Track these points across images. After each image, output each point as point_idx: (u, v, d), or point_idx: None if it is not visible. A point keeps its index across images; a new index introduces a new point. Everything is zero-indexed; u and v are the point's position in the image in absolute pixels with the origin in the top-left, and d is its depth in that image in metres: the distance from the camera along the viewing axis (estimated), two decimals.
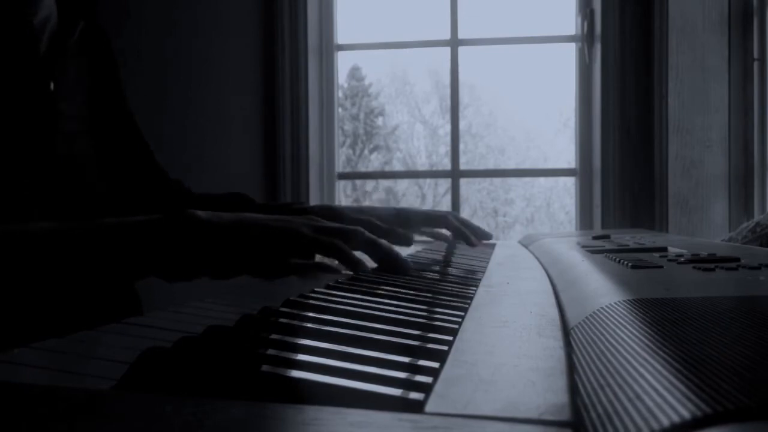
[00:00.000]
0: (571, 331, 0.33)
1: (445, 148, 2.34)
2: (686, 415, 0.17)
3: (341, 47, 2.13)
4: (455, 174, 2.08)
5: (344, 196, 2.25)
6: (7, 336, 0.50)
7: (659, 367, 0.21)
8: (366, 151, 2.47)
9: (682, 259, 0.54)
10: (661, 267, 0.49)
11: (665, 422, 0.17)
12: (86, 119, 0.81)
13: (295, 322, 0.38)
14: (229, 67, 2.02)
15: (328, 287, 0.53)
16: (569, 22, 2.04)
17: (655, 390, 0.19)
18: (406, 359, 0.31)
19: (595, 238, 0.88)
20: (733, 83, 1.79)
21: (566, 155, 2.22)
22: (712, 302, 0.33)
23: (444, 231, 0.98)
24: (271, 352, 0.31)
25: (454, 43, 2.06)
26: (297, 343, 0.33)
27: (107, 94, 0.87)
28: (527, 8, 2.27)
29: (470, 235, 0.89)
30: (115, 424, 0.21)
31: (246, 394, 0.26)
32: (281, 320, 0.38)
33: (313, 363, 0.29)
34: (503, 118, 2.50)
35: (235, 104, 2.02)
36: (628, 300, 0.34)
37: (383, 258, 0.66)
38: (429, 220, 0.95)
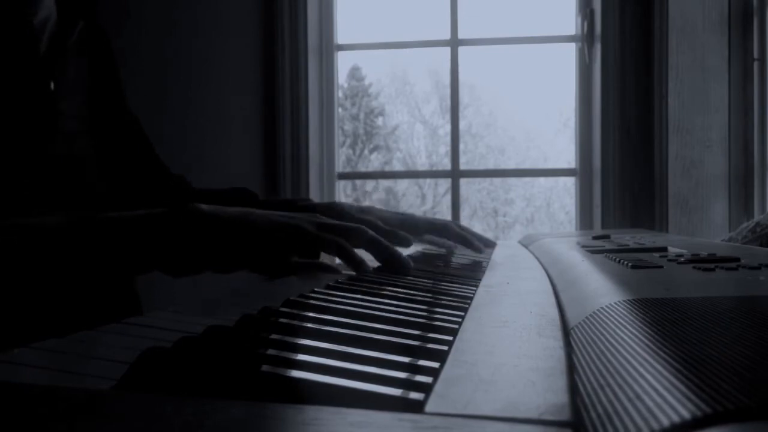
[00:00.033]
0: (571, 331, 0.33)
1: (445, 148, 2.34)
2: (686, 415, 0.17)
3: (341, 47, 2.13)
4: (455, 174, 2.08)
5: (344, 196, 2.25)
6: (7, 336, 0.50)
7: (659, 367, 0.21)
8: (366, 151, 2.47)
9: (682, 259, 0.54)
10: (661, 267, 0.49)
11: (665, 422, 0.17)
12: (86, 119, 0.82)
13: (295, 322, 0.38)
14: (229, 67, 2.02)
15: (328, 287, 0.53)
16: (569, 22, 2.04)
17: (655, 390, 0.19)
18: (406, 359, 0.31)
19: (595, 238, 0.88)
20: (733, 83, 1.79)
21: (566, 155, 2.22)
22: (712, 302, 0.33)
23: (446, 241, 0.97)
24: (271, 352, 0.31)
25: (454, 43, 2.06)
26: (297, 343, 0.33)
27: (107, 93, 0.87)
28: (527, 8, 2.27)
29: (474, 241, 0.88)
30: (115, 424, 0.21)
31: (246, 394, 0.26)
32: (281, 320, 0.38)
33: (313, 363, 0.29)
34: (503, 118, 2.50)
35: (235, 104, 2.02)
36: (628, 300, 0.34)
37: (385, 257, 0.67)
38: (432, 228, 0.94)
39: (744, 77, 1.80)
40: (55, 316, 0.58)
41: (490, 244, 0.91)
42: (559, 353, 0.31)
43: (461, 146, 2.12)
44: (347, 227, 0.65)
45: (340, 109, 2.19)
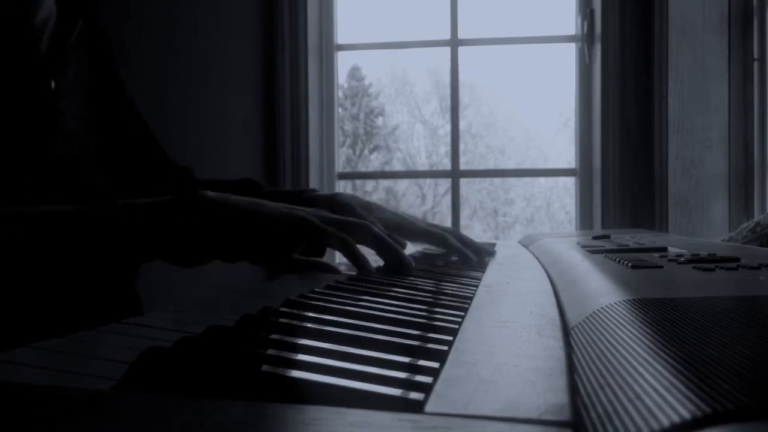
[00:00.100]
0: (571, 331, 0.33)
1: (445, 148, 2.34)
2: (686, 415, 0.17)
3: (341, 47, 2.13)
4: (455, 174, 2.08)
5: None
6: (7, 336, 0.50)
7: (659, 367, 0.21)
8: (366, 151, 2.47)
9: (682, 259, 0.54)
10: (661, 267, 0.49)
11: (665, 422, 0.17)
12: (86, 118, 0.81)
13: (295, 322, 0.38)
14: (229, 67, 2.02)
15: (328, 287, 0.53)
16: (569, 22, 2.04)
17: (655, 390, 0.19)
18: (406, 359, 0.31)
19: (595, 238, 0.88)
20: (733, 83, 1.79)
21: (566, 155, 2.22)
22: (712, 302, 0.33)
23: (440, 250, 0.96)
24: (271, 352, 0.31)
25: (454, 43, 2.06)
26: (297, 343, 0.33)
27: (107, 93, 0.87)
28: (527, 8, 2.28)
29: (471, 255, 0.86)
30: (115, 424, 0.21)
31: (246, 394, 0.26)
32: (281, 320, 0.38)
33: (313, 363, 0.29)
34: (503, 118, 2.50)
35: (235, 104, 2.02)
36: (628, 300, 0.34)
37: (389, 256, 0.67)
38: (429, 237, 0.93)
39: (744, 77, 1.80)
40: (55, 316, 0.58)
41: (489, 254, 0.90)
42: (559, 353, 0.31)
43: (461, 146, 2.12)
44: (353, 223, 0.65)
45: (340, 109, 2.19)
